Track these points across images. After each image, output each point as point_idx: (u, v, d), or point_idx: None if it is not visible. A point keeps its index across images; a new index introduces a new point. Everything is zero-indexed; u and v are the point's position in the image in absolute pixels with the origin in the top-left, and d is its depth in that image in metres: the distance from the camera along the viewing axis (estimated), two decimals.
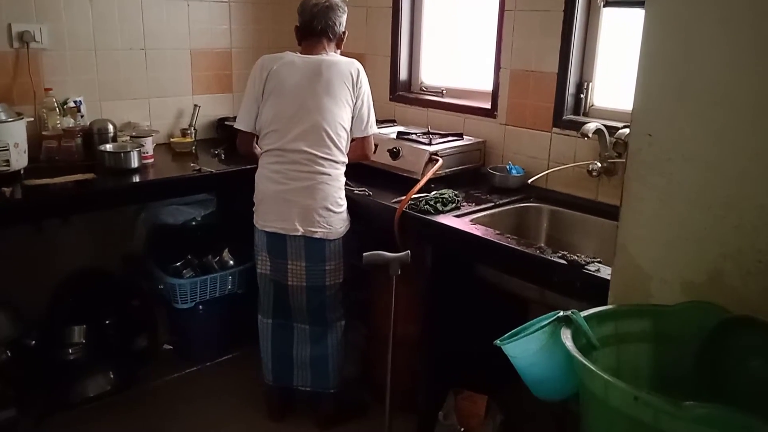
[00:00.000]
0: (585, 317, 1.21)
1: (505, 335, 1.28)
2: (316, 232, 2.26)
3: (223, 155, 2.91)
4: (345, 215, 2.34)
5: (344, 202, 2.34)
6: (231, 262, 2.87)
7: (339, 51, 2.41)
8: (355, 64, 2.31)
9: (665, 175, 1.30)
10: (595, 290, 1.65)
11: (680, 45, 1.26)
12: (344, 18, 2.37)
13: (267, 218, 2.32)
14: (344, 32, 2.39)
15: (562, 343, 1.14)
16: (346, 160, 2.33)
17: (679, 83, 1.27)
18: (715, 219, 1.25)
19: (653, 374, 1.27)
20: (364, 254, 2.00)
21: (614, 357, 1.25)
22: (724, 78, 1.21)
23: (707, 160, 1.25)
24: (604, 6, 1.53)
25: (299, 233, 2.26)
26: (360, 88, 2.31)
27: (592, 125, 2.16)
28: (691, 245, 1.29)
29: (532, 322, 1.28)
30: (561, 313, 1.20)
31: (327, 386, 2.47)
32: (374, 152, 2.48)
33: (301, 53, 2.34)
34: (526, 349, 1.22)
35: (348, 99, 2.28)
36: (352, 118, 2.32)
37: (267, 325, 2.49)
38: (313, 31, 2.32)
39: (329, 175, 2.26)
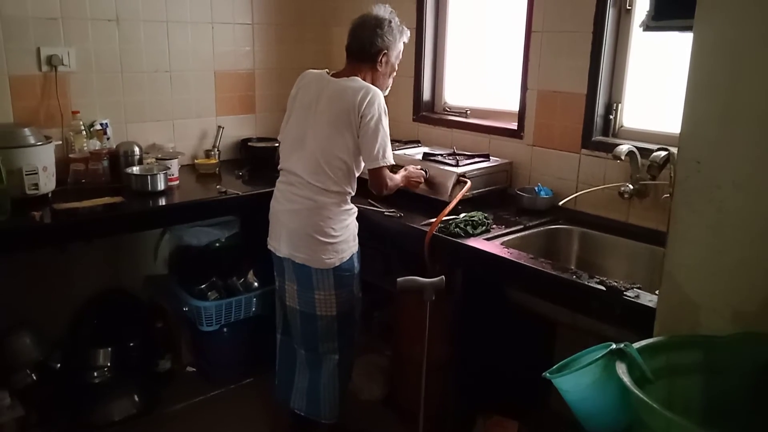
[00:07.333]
0: (637, 349, 1.18)
1: (554, 367, 1.25)
2: (298, 257, 2.19)
3: (247, 176, 2.91)
4: (340, 247, 2.19)
5: (338, 234, 2.18)
6: (255, 284, 2.86)
7: (378, 72, 2.22)
8: (366, 91, 2.10)
9: (714, 202, 1.28)
10: (635, 317, 1.63)
11: (729, 69, 1.23)
12: (381, 34, 2.16)
13: (270, 236, 2.33)
14: (381, 51, 2.19)
15: (615, 377, 1.11)
16: (342, 190, 2.17)
17: (729, 108, 1.24)
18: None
19: (706, 407, 1.23)
20: (399, 280, 1.98)
21: (666, 390, 1.21)
22: None
23: (758, 186, 1.22)
24: (644, 30, 1.51)
25: (285, 255, 2.23)
26: (364, 117, 2.08)
27: (624, 147, 2.14)
28: (742, 273, 1.26)
29: (581, 353, 1.25)
30: (614, 346, 1.17)
31: (318, 415, 2.36)
32: (387, 188, 2.24)
33: (334, 74, 2.23)
34: (578, 383, 1.18)
35: (348, 128, 2.11)
36: (360, 147, 2.15)
37: (278, 340, 2.48)
38: (348, 53, 2.24)
39: (315, 202, 2.15)
